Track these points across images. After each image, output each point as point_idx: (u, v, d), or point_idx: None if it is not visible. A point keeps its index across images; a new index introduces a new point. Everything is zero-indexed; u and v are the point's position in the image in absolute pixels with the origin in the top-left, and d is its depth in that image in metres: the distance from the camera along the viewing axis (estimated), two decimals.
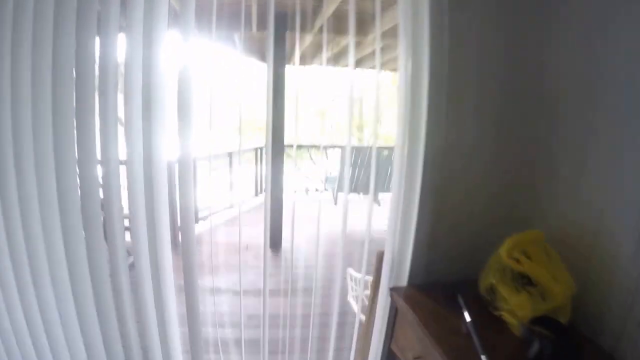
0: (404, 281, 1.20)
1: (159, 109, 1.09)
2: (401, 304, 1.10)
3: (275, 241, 3.54)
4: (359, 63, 4.61)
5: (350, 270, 2.49)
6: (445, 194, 1.14)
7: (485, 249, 1.05)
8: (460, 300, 1.03)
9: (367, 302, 1.62)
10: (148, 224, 1.15)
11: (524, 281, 0.97)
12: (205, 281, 2.73)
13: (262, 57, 4.82)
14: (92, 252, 1.17)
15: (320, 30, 3.24)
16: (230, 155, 4.62)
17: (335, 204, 4.23)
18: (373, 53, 4.17)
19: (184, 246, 1.20)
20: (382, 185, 3.96)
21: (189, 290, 1.23)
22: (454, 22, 1.04)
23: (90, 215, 1.14)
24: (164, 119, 1.10)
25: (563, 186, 1.08)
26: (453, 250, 1.17)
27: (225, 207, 4.49)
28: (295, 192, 4.95)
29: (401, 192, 1.17)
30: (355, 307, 2.20)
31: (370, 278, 2.22)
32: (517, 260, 0.98)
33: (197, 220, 3.81)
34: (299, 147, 5.68)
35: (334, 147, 5.33)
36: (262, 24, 3.24)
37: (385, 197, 3.69)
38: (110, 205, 1.14)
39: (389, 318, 1.19)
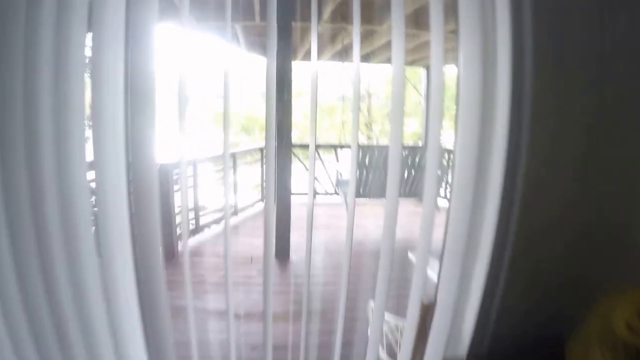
0: (462, 346, 0.90)
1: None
2: None
3: (282, 252, 3.14)
4: (369, 56, 4.29)
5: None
6: (523, 228, 0.83)
7: (569, 300, 0.79)
8: None
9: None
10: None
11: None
12: (197, 302, 2.40)
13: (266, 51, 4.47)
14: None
15: (330, 18, 2.91)
16: (234, 156, 4.32)
17: (347, 209, 3.92)
18: (387, 44, 3.86)
19: (144, 260, 0.90)
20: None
21: (149, 312, 0.94)
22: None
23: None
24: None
25: None
26: (528, 305, 0.86)
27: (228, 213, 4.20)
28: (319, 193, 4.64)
29: (465, 221, 0.87)
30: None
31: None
32: (632, 330, 0.68)
33: (199, 230, 3.52)
34: (305, 146, 5.39)
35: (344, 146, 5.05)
36: (266, 14, 2.89)
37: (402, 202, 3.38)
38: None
39: None
